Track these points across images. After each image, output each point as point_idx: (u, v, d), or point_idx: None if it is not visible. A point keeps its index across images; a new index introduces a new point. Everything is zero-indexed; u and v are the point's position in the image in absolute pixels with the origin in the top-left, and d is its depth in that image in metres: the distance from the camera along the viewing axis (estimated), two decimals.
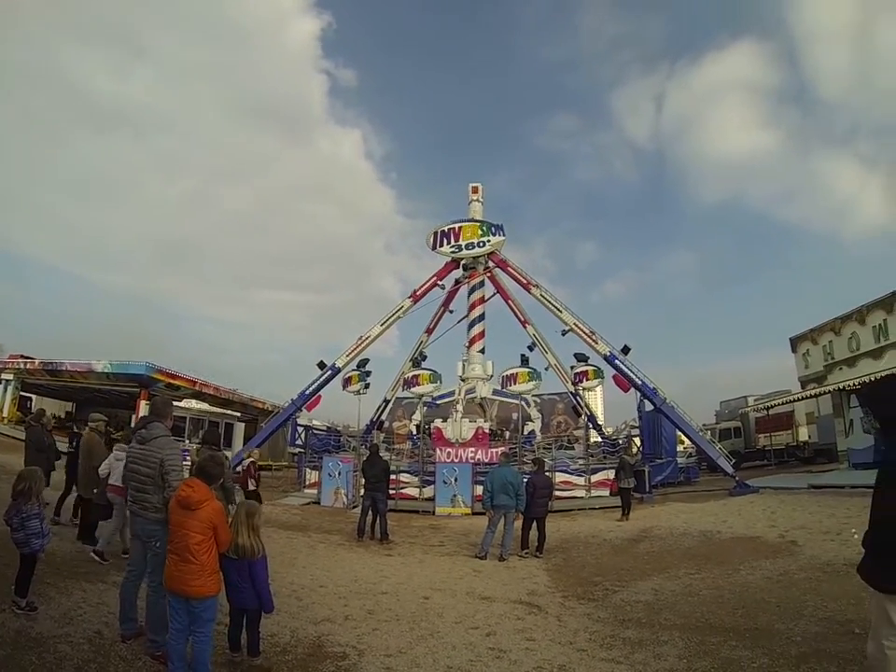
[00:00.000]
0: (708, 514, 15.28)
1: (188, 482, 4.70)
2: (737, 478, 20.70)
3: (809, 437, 32.34)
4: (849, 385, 21.18)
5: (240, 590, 4.99)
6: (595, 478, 20.57)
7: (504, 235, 27.60)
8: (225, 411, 31.50)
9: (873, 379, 18.37)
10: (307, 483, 21.98)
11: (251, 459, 14.63)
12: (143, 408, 25.05)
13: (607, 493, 19.96)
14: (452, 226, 27.82)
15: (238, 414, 33.51)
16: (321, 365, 26.06)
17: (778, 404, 29.08)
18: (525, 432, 26.43)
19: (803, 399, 27.54)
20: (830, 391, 23.66)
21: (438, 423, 23.66)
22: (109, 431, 12.68)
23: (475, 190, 29.74)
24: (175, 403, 26.32)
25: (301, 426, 26.86)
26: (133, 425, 11.86)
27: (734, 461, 23.54)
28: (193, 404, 28.33)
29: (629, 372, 23.78)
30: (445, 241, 27.56)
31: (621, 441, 24.72)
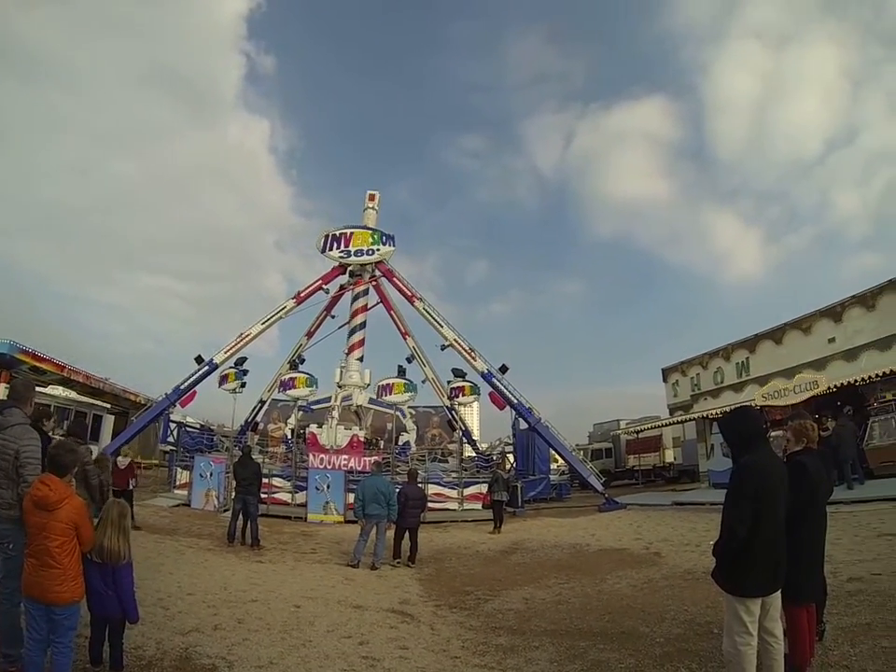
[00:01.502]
0: (578, 528, 15.81)
1: (42, 479, 4.18)
2: (606, 495, 21.51)
3: (675, 459, 34.23)
4: (712, 414, 23.06)
5: (103, 597, 4.54)
6: (467, 491, 20.83)
7: (394, 246, 27.66)
8: (94, 401, 29.40)
9: (730, 409, 19.73)
10: (178, 483, 20.97)
11: (129, 458, 13.87)
12: (1, 391, 22.95)
13: (479, 506, 20.22)
14: (344, 231, 27.64)
15: (108, 406, 31.27)
16: (198, 360, 25.15)
17: (648, 428, 31.06)
18: (400, 443, 26.42)
19: (670, 424, 29.85)
20: (695, 418, 26.04)
21: (313, 428, 23.36)
22: None
23: (371, 198, 29.69)
24: (39, 389, 24.42)
25: (174, 422, 25.58)
26: None
27: (604, 479, 24.59)
28: (60, 391, 26.35)
29: (505, 391, 24.27)
30: (335, 245, 27.33)
31: (495, 457, 25.12)
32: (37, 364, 24.45)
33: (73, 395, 27.03)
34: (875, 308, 19.94)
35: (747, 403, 17.00)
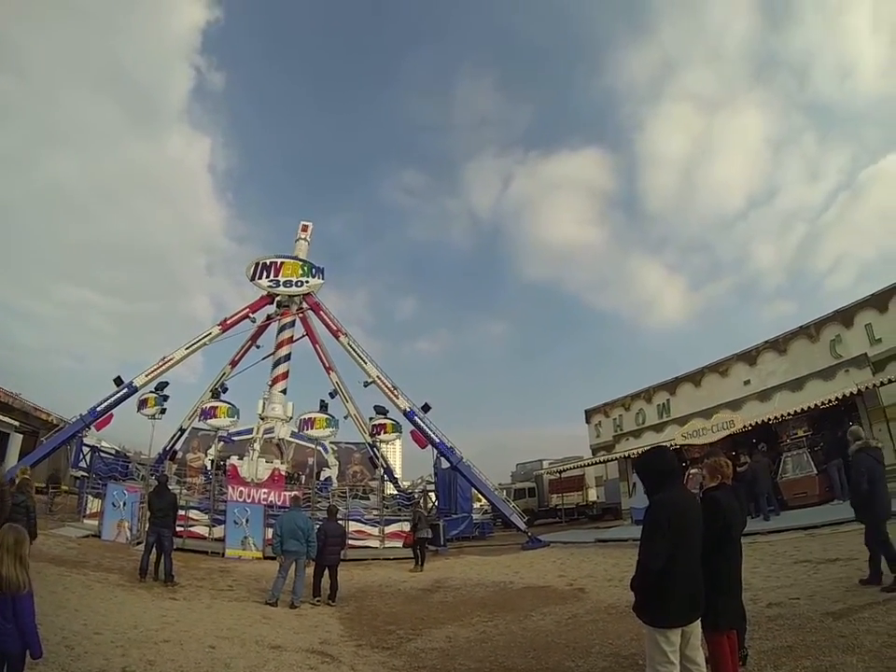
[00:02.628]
0: (502, 566, 15.82)
1: None
2: (530, 533, 21.64)
3: (598, 497, 34.81)
4: (633, 453, 23.54)
5: (2, 631, 4.17)
6: (389, 529, 20.67)
7: (323, 279, 27.82)
8: (1, 417, 27.97)
9: (644, 448, 20.42)
10: (88, 512, 19.81)
11: (27, 476, 13.06)
12: None
13: (400, 544, 20.10)
14: (274, 260, 27.67)
15: (17, 423, 29.56)
16: (118, 381, 24.31)
17: (571, 468, 31.43)
18: (322, 478, 26.25)
19: (593, 464, 30.35)
20: (617, 458, 26.63)
21: (234, 460, 22.88)
22: None
23: (304, 229, 29.81)
24: None
25: (88, 446, 24.43)
26: None
27: (527, 518, 24.75)
28: None
29: (427, 430, 24.45)
30: (265, 274, 27.29)
31: (416, 495, 25.10)
32: None
33: None
34: (787, 352, 21.56)
35: (663, 444, 17.49)
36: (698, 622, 4.07)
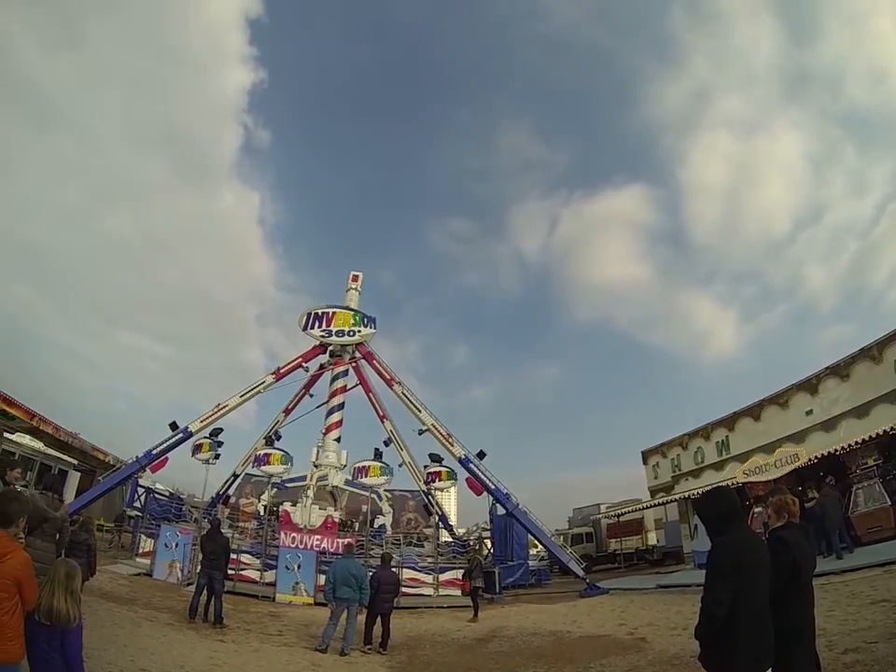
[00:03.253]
0: (559, 615, 15.31)
1: None
2: (588, 580, 20.95)
3: (658, 541, 33.70)
4: (693, 494, 22.66)
5: (48, 662, 4.14)
6: (443, 577, 20.35)
7: (375, 328, 28.09)
8: (61, 454, 28.61)
9: (704, 490, 19.63)
10: (140, 551, 20.13)
11: (90, 516, 13.34)
12: None
13: (455, 592, 19.75)
14: (326, 310, 28.07)
15: (75, 462, 30.48)
16: (173, 426, 24.70)
17: (629, 511, 30.54)
18: (376, 525, 26.18)
19: (652, 506, 29.46)
20: (676, 499, 25.51)
21: (287, 506, 23.10)
22: None
23: (355, 279, 30.29)
24: (6, 435, 23.55)
25: (143, 487, 24.94)
26: None
27: (585, 564, 24.13)
28: (27, 440, 25.53)
29: (483, 476, 24.21)
30: (317, 324, 27.66)
31: (471, 542, 24.78)
32: (6, 408, 23.50)
33: (40, 446, 26.30)
34: (850, 377, 20.28)
35: (722, 484, 16.80)
36: None
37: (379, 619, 11.56)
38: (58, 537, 7.41)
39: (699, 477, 26.52)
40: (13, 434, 23.55)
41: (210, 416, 25.05)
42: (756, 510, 18.23)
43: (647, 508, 29.81)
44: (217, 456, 25.01)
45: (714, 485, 18.28)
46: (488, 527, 25.74)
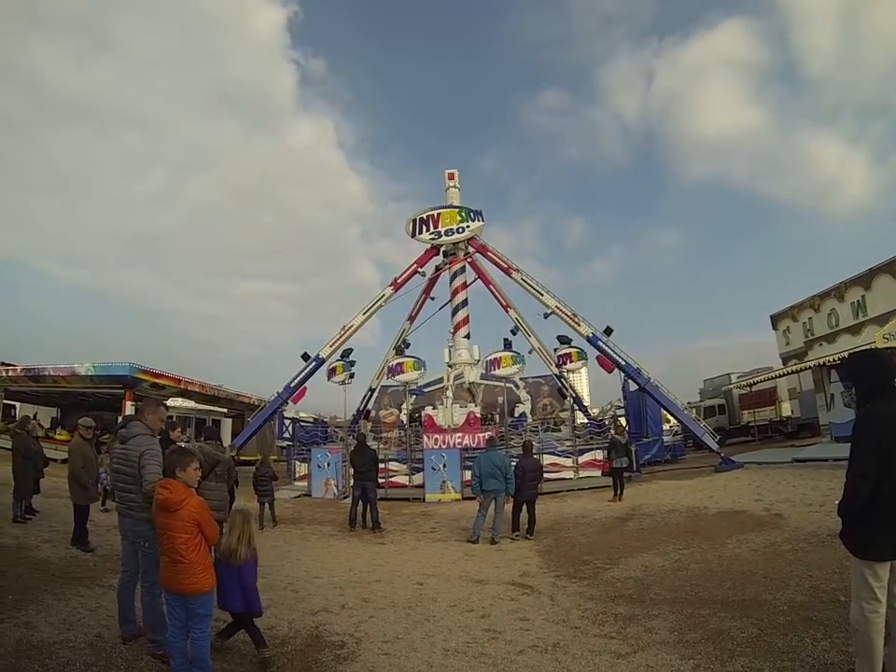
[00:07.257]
0: (695, 491, 15.42)
1: (163, 483, 4.62)
2: (722, 454, 20.80)
3: (792, 412, 32.51)
4: (829, 361, 21.48)
5: (229, 593, 5.01)
6: (582, 459, 20.63)
7: (483, 220, 27.47)
8: (212, 407, 31.26)
9: (851, 353, 18.67)
10: (297, 475, 22.00)
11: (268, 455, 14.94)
12: (129, 409, 24.70)
13: (594, 473, 20.01)
14: (430, 213, 27.66)
15: (225, 410, 33.20)
16: (305, 357, 25.76)
17: (761, 381, 29.35)
18: (516, 414, 26.61)
19: (784, 375, 28.11)
20: (811, 367, 24.04)
21: (428, 410, 23.84)
22: (97, 435, 12.73)
23: (451, 177, 29.60)
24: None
25: (289, 418, 26.91)
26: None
27: (718, 438, 23.68)
28: (180, 402, 28.07)
29: (612, 353, 23.77)
30: (424, 228, 27.44)
31: (606, 422, 24.83)
32: (156, 381, 26.05)
33: (191, 404, 28.88)
34: None
35: (868, 346, 16.05)
36: None
37: (525, 506, 11.99)
38: (227, 476, 8.51)
39: (834, 342, 24.98)
40: (167, 400, 25.86)
41: (338, 339, 25.80)
42: None
43: (779, 377, 28.44)
44: (351, 376, 25.80)
45: (860, 348, 17.28)
46: (622, 405, 25.92)
